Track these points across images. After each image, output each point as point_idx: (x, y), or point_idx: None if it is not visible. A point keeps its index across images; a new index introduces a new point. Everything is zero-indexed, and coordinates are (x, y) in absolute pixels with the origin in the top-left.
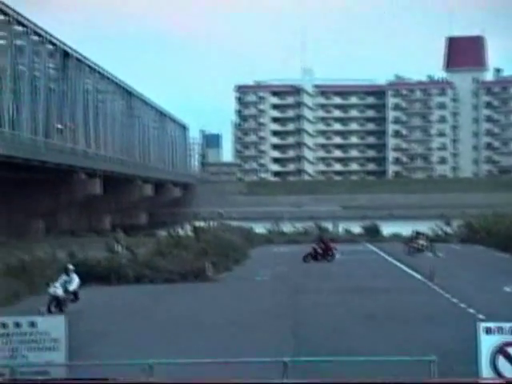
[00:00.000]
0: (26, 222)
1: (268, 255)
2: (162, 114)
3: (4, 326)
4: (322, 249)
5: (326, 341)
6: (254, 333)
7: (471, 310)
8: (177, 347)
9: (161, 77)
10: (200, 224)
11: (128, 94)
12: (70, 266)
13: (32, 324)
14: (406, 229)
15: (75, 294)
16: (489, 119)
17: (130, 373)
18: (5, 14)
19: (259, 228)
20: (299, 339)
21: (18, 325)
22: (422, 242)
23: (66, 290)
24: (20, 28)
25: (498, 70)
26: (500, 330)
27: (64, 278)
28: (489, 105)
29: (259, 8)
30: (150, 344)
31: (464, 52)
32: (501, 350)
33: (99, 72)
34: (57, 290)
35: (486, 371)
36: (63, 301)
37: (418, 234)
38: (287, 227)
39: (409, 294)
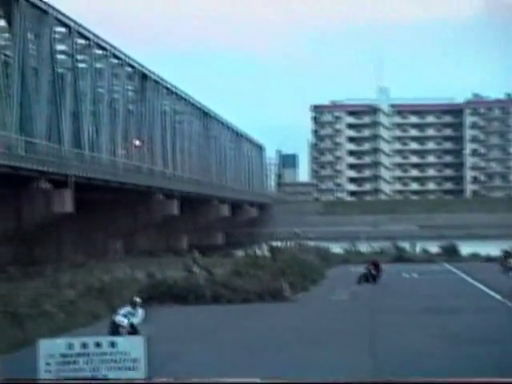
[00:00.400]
0: (105, 242)
1: (345, 275)
2: (238, 135)
3: (85, 345)
4: (375, 270)
5: (404, 361)
6: (332, 352)
7: None
8: (254, 367)
9: (237, 97)
10: (277, 244)
11: (205, 114)
12: (137, 299)
13: (112, 344)
14: (484, 248)
15: (135, 328)
16: None
17: None
18: (85, 37)
19: (336, 248)
20: (377, 359)
21: (98, 345)
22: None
23: (127, 321)
24: (100, 51)
25: None
26: None
27: (128, 309)
28: None
29: (335, 27)
30: (228, 364)
31: None
32: None
33: (176, 93)
34: (119, 318)
35: None
36: (120, 331)
37: (508, 253)
38: (364, 247)
39: (488, 314)
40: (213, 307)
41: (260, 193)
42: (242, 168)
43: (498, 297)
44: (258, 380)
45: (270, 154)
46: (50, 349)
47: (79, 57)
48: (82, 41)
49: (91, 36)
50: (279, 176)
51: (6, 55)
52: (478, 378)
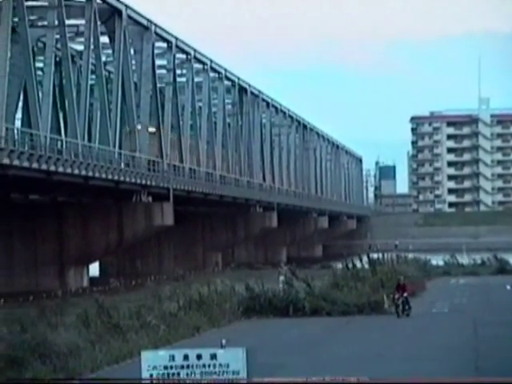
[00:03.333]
0: (204, 255)
1: (445, 287)
2: (336, 146)
3: (186, 357)
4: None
5: (509, 374)
6: (434, 366)
7: None
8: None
9: (336, 109)
10: (376, 256)
11: (303, 127)
12: (224, 341)
13: (213, 356)
14: None
15: None
16: None
17: None
18: (185, 52)
19: (436, 259)
20: (482, 373)
21: (199, 357)
22: None
23: None
24: (199, 65)
25: None
26: None
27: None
28: None
29: (433, 37)
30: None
31: None
32: None
33: (275, 106)
34: None
35: None
36: None
37: None
38: (464, 259)
39: None
40: (312, 319)
41: (358, 205)
42: (340, 180)
43: None
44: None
45: (369, 166)
46: (152, 360)
47: (178, 71)
48: (181, 55)
49: (191, 50)
50: (377, 188)
51: (108, 71)
52: (479, 378)
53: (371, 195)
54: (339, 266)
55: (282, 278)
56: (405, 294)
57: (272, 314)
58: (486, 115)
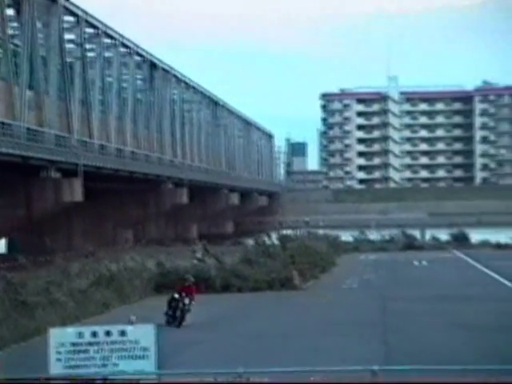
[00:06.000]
0: (115, 231)
1: (355, 263)
2: (247, 123)
3: (95, 334)
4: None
5: (416, 349)
6: (343, 341)
7: None
8: (265, 356)
9: (246, 86)
10: (286, 232)
11: (214, 103)
12: (133, 318)
13: (122, 333)
14: (494, 236)
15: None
16: None
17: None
18: (94, 26)
19: (345, 236)
20: (389, 347)
21: (108, 333)
22: None
23: None
24: (108, 40)
25: None
26: None
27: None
28: None
29: (344, 16)
30: (240, 353)
31: None
32: None
33: (186, 82)
34: None
35: None
36: None
37: None
38: (373, 235)
39: (500, 302)
40: (223, 295)
41: (269, 181)
42: (251, 156)
43: (509, 284)
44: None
45: (280, 143)
46: (60, 337)
47: (88, 46)
48: (90, 30)
49: (100, 25)
50: (288, 164)
51: (14, 44)
52: (478, 378)
53: (282, 172)
54: (250, 242)
55: (198, 254)
56: (186, 301)
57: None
58: (395, 93)
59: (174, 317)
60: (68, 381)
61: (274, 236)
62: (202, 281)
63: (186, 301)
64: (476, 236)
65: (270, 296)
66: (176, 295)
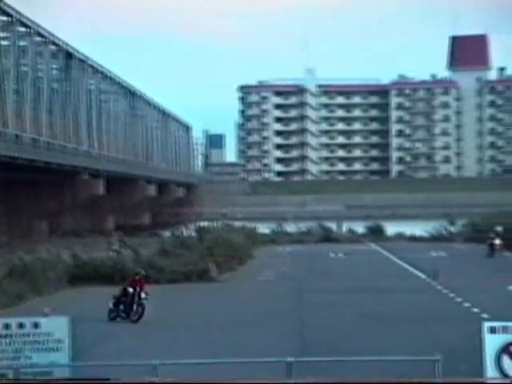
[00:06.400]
0: (30, 222)
1: (271, 255)
2: (165, 114)
3: (7, 326)
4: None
5: (331, 341)
6: (258, 333)
7: (476, 310)
8: (180, 348)
9: (164, 77)
10: (204, 224)
11: (131, 94)
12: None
13: (35, 325)
14: (409, 228)
15: None
16: (492, 118)
17: (133, 373)
18: (8, 14)
19: (263, 228)
20: (304, 339)
21: (21, 325)
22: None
23: None
24: (23, 29)
25: (501, 69)
26: (505, 330)
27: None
28: (492, 104)
29: (262, 8)
30: (153, 344)
31: (467, 51)
32: (505, 350)
33: (102, 72)
34: None
35: (490, 371)
36: None
37: (496, 234)
38: (291, 227)
39: (413, 294)
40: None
41: (187, 173)
42: (168, 148)
43: (422, 276)
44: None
45: (198, 134)
46: None
47: (2, 34)
48: (3, 18)
49: (14, 13)
50: (206, 156)
51: None
52: (479, 378)
53: (200, 163)
54: (167, 234)
55: (115, 246)
56: (143, 295)
57: (99, 283)
58: (313, 85)
59: (125, 311)
60: (68, 381)
61: (191, 228)
62: (118, 272)
63: (143, 295)
64: (391, 228)
65: (186, 288)
66: (130, 289)
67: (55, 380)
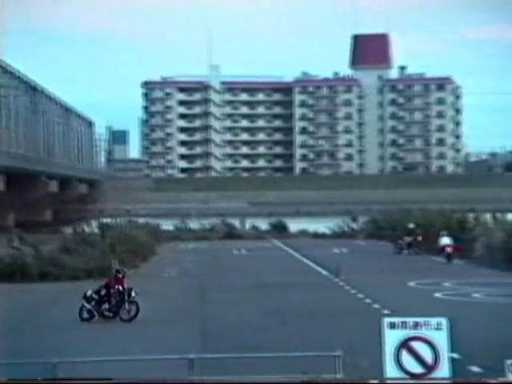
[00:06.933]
0: None
1: (175, 252)
2: (67, 110)
3: None
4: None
5: (233, 337)
6: (160, 330)
7: (376, 306)
8: (81, 345)
9: (67, 72)
10: (107, 221)
11: (32, 89)
12: None
13: None
14: (312, 225)
15: None
16: (394, 116)
17: (32, 373)
18: None
19: (167, 225)
20: (207, 336)
21: None
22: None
23: None
24: None
25: (402, 68)
26: (404, 325)
27: None
28: (394, 102)
29: (167, 3)
30: (53, 342)
31: (369, 49)
32: (404, 345)
33: (1, 67)
34: None
35: (389, 366)
36: None
37: (410, 231)
38: (194, 224)
39: (315, 290)
40: (39, 285)
41: (90, 169)
42: (71, 144)
43: (324, 273)
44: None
45: (101, 130)
46: None
47: None
48: None
49: None
50: (109, 152)
51: None
52: (480, 379)
53: (103, 160)
54: (69, 230)
55: (15, 243)
56: (133, 293)
57: None
58: (217, 82)
59: (112, 310)
60: (68, 381)
61: (94, 224)
62: (18, 269)
63: (133, 293)
64: (295, 225)
65: (88, 285)
66: (119, 287)
67: (55, 380)
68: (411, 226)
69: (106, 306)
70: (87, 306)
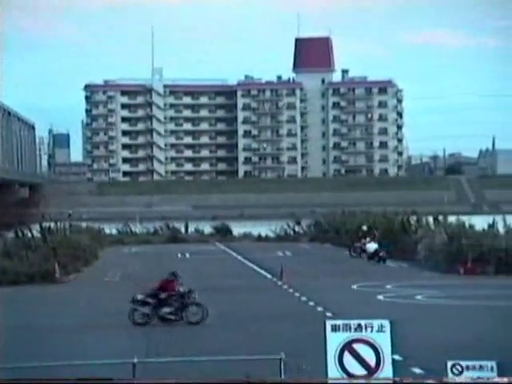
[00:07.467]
0: None
1: (118, 256)
2: (8, 113)
3: None
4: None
5: (176, 340)
6: (104, 334)
7: (319, 308)
8: (20, 351)
9: (7, 75)
10: (48, 225)
11: None
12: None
13: None
14: (255, 228)
15: None
16: (336, 119)
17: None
18: None
19: (109, 228)
20: (150, 340)
21: None
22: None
23: None
24: None
25: (344, 71)
26: (347, 328)
27: None
28: (336, 105)
29: (108, 6)
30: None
31: (312, 53)
32: (347, 347)
33: None
34: None
35: (333, 368)
36: None
37: (365, 232)
38: (138, 227)
39: (259, 293)
40: None
41: (31, 173)
42: (12, 147)
43: (268, 276)
44: None
45: (43, 133)
46: None
47: None
48: None
49: None
50: (51, 156)
51: None
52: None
53: (45, 163)
54: (11, 235)
55: None
56: (195, 295)
57: None
58: (159, 85)
59: (175, 313)
60: (68, 381)
61: (35, 228)
62: None
63: (196, 295)
64: (238, 229)
65: (29, 290)
66: (182, 289)
67: (55, 380)
68: (364, 227)
69: (167, 309)
70: (142, 309)
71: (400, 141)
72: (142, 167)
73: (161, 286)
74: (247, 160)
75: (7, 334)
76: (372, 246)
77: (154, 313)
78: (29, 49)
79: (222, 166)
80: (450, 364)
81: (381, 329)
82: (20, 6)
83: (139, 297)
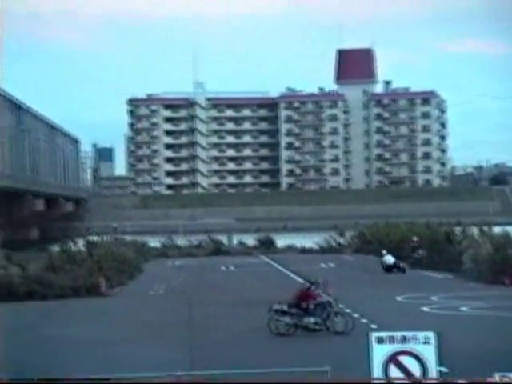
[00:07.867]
0: None
1: (162, 269)
2: (52, 128)
3: None
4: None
5: (222, 354)
6: (149, 347)
7: (364, 320)
8: (68, 366)
9: (52, 91)
10: (93, 239)
11: (17, 107)
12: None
13: None
14: (299, 240)
15: None
16: (379, 131)
17: None
18: None
19: (154, 242)
20: (195, 352)
21: None
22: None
23: None
24: None
25: (387, 82)
26: (391, 340)
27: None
28: (379, 116)
29: (150, 21)
30: (41, 362)
31: (354, 64)
32: (392, 359)
33: None
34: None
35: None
36: None
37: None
38: (181, 240)
39: None
40: (26, 304)
41: (76, 187)
42: (56, 162)
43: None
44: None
45: (87, 148)
46: None
47: None
48: None
49: None
50: (95, 170)
51: None
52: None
53: (89, 177)
54: (56, 249)
55: (1, 262)
56: (340, 304)
57: None
58: (202, 98)
59: (321, 324)
60: (68, 381)
61: (80, 242)
62: (4, 289)
63: (339, 304)
64: (282, 241)
65: (75, 304)
66: (330, 299)
67: (55, 380)
68: (415, 239)
69: (311, 319)
70: (285, 319)
71: (443, 151)
72: (185, 180)
73: (301, 295)
74: (290, 172)
75: (55, 347)
76: (390, 259)
77: (298, 322)
78: (73, 64)
79: (264, 179)
80: (497, 376)
81: (426, 341)
82: (63, 20)
83: (278, 307)
